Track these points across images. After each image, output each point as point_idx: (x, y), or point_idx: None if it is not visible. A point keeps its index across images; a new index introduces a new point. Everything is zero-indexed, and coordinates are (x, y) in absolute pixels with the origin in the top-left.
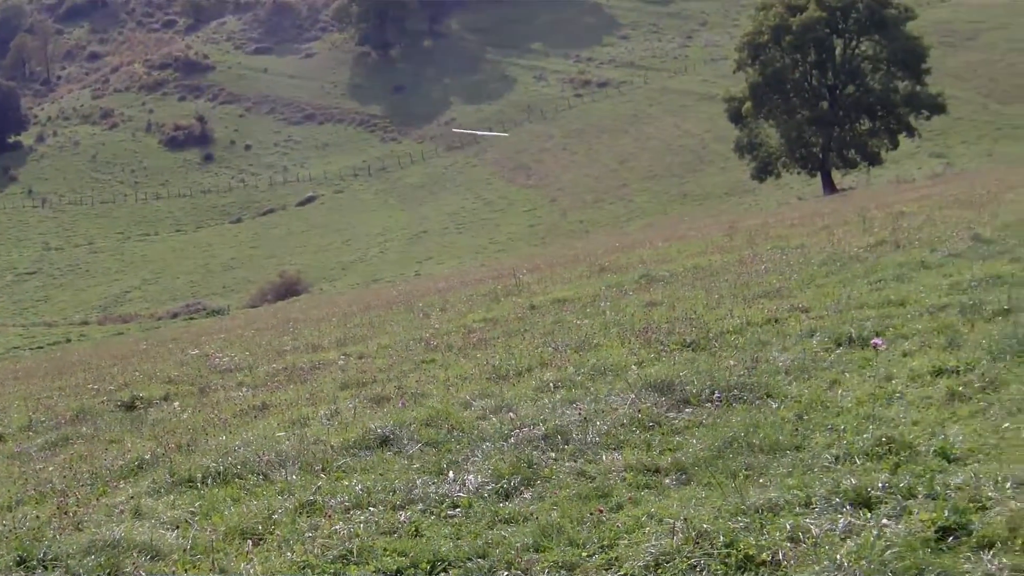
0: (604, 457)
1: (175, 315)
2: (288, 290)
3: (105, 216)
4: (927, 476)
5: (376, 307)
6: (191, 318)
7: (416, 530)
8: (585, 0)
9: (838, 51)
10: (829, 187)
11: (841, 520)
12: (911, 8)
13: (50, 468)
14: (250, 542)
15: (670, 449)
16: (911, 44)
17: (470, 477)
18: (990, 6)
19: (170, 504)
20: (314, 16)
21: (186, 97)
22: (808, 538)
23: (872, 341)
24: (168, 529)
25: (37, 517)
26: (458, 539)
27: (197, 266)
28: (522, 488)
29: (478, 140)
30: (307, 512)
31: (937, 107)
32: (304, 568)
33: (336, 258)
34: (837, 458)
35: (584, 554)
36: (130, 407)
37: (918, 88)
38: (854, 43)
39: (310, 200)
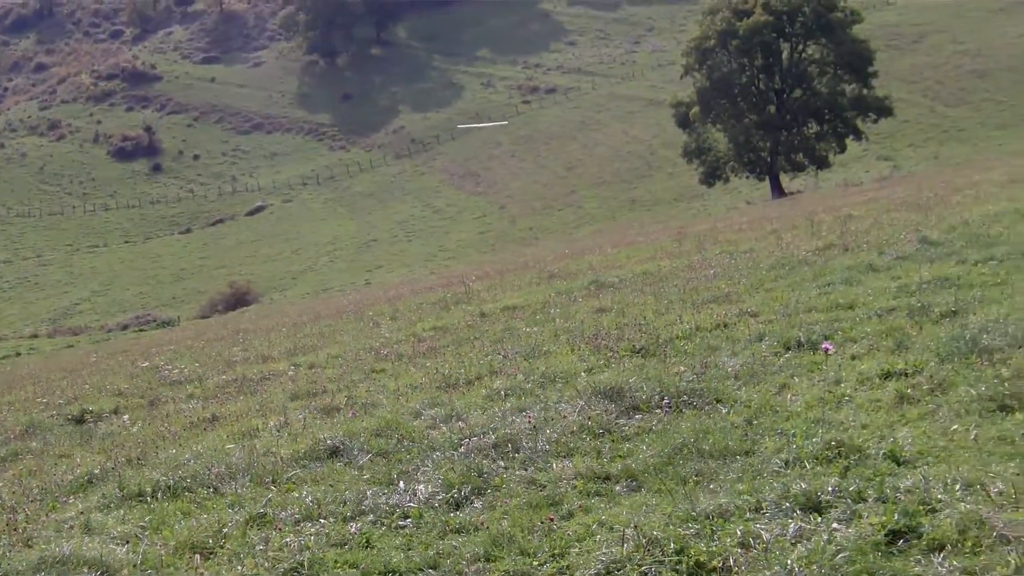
0: (554, 465)
1: (125, 327)
2: (238, 300)
3: (53, 228)
4: (877, 479)
5: (326, 316)
6: (141, 330)
7: (367, 541)
8: (532, 6)
9: (785, 55)
10: (777, 191)
11: (791, 525)
12: (857, 11)
13: None
14: (200, 556)
15: (620, 456)
16: (857, 47)
17: (420, 487)
18: (935, 8)
19: (120, 519)
20: (261, 25)
21: (134, 107)
22: (759, 544)
23: (822, 345)
24: (118, 544)
25: None
26: (409, 550)
27: (147, 277)
28: (472, 498)
29: (481, 130)
30: (257, 525)
31: (884, 110)
32: None
33: (286, 267)
34: (787, 463)
35: (535, 563)
36: (80, 421)
37: (865, 91)
38: (801, 47)
39: (259, 210)
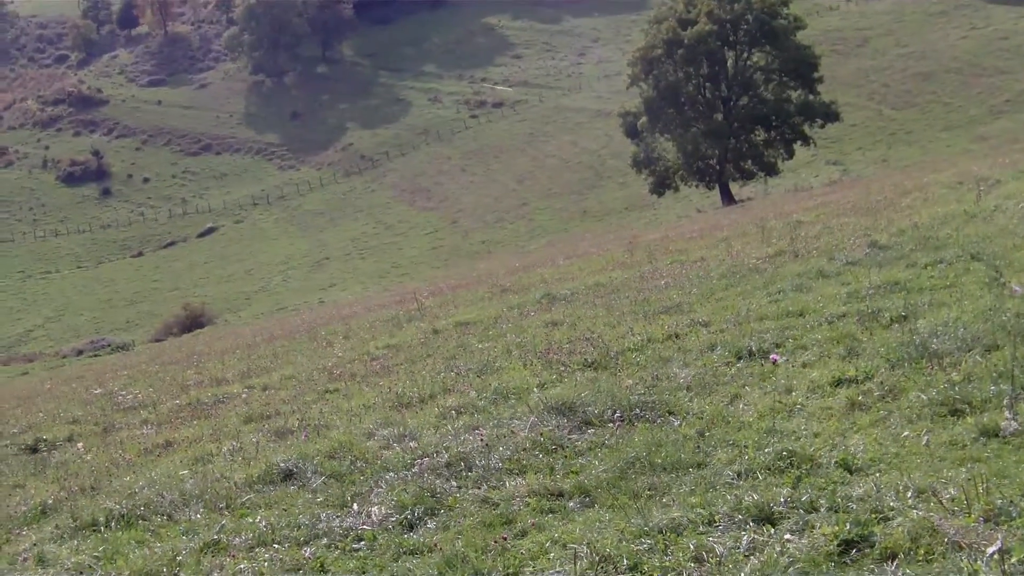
0: (507, 483)
1: (80, 352)
2: (193, 322)
3: (4, 255)
4: (829, 489)
5: (280, 337)
6: (96, 355)
7: (321, 566)
8: (476, 21)
9: (730, 63)
10: (727, 198)
11: (744, 537)
12: (800, 18)
13: None
14: None
15: (573, 472)
16: (802, 53)
17: (374, 509)
18: (877, 12)
19: (74, 549)
20: (206, 46)
21: (81, 132)
22: (712, 557)
23: (771, 356)
24: None
25: None
26: (363, 573)
27: (100, 302)
28: (426, 518)
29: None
30: (212, 552)
31: (831, 115)
32: None
33: (239, 288)
34: (739, 474)
35: None
36: (34, 450)
37: (811, 97)
38: (746, 55)
39: (211, 231)
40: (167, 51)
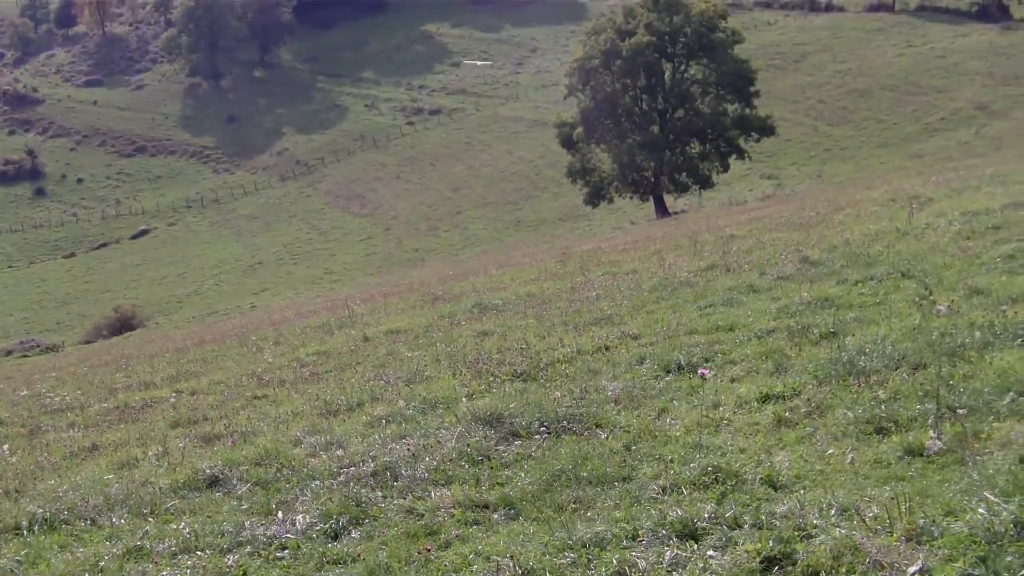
0: (433, 493)
1: (9, 353)
2: (124, 325)
3: None
4: (753, 505)
5: (210, 341)
6: (25, 355)
7: (244, 574)
8: (415, 28)
9: (667, 75)
10: (662, 211)
11: (667, 553)
12: (738, 32)
13: None
14: None
15: (499, 483)
16: (739, 67)
17: (299, 517)
18: (815, 28)
19: None
20: (144, 47)
21: (16, 131)
22: (634, 572)
23: (699, 371)
24: None
25: None
26: None
27: (30, 302)
28: (351, 528)
29: (478, 65)
30: (134, 558)
31: (766, 129)
32: None
33: (171, 291)
34: (664, 489)
35: None
36: None
37: (747, 111)
38: (683, 67)
39: (144, 233)
40: (104, 51)
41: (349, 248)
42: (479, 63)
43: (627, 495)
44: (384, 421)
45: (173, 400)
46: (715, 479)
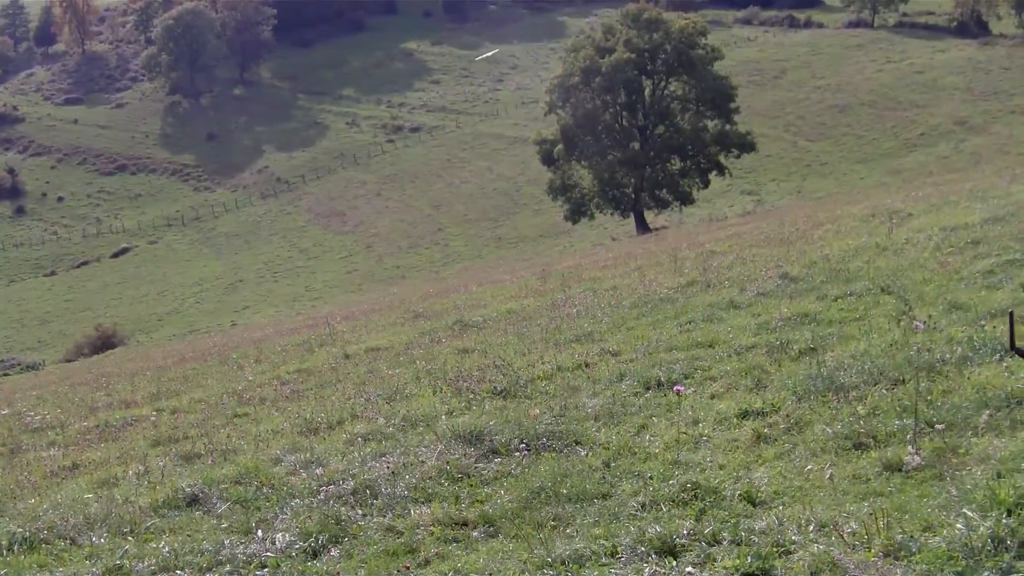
0: (413, 511)
1: None
2: (104, 343)
3: None
4: (732, 521)
5: (191, 359)
6: (6, 374)
7: None
8: (394, 46)
9: (647, 92)
10: (642, 227)
11: (646, 569)
12: (718, 48)
13: None
14: None
15: (479, 501)
16: (719, 84)
17: (279, 536)
18: (794, 45)
19: None
20: (124, 66)
21: None
22: None
23: (675, 388)
24: None
25: None
26: None
27: (11, 321)
28: (330, 546)
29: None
30: None
31: (746, 146)
32: None
33: (152, 309)
34: (643, 505)
35: None
36: None
37: (727, 127)
38: (663, 84)
39: (124, 251)
40: (84, 70)
41: (330, 265)
42: (487, 55)
43: (606, 512)
44: (364, 439)
45: (154, 419)
46: (694, 495)
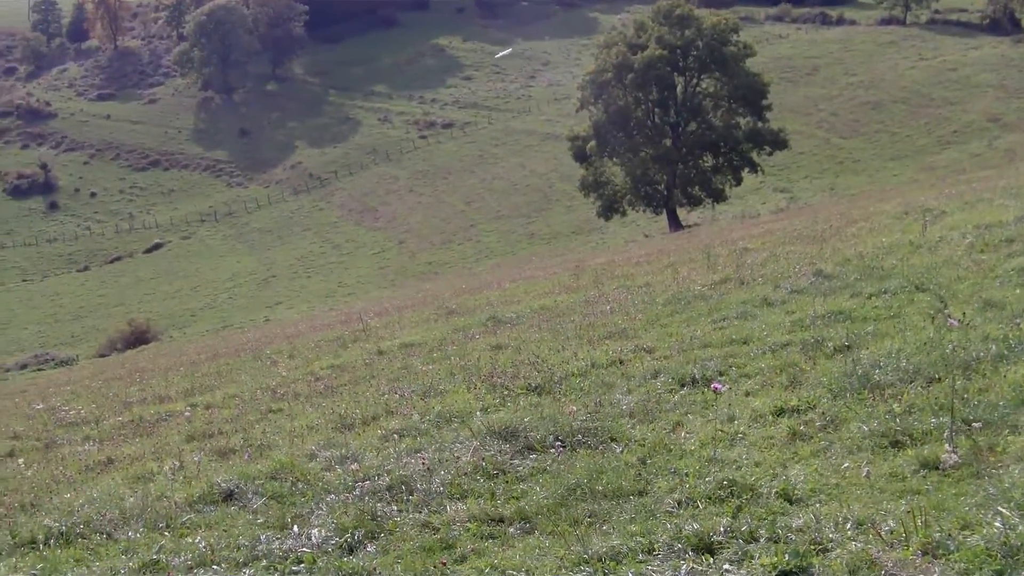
0: (448, 507)
1: (24, 366)
2: (138, 338)
3: None
4: (769, 519)
5: (224, 355)
6: (40, 369)
7: None
8: (426, 42)
9: (680, 89)
10: (675, 224)
11: (683, 567)
12: (750, 45)
13: None
14: None
15: (514, 497)
16: (751, 81)
17: (314, 531)
18: (826, 41)
19: (11, 567)
20: (156, 62)
21: (29, 145)
22: None
23: (712, 385)
24: None
25: None
26: None
27: (45, 316)
28: (366, 542)
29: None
30: (150, 572)
31: (779, 143)
32: None
33: (185, 305)
34: (680, 503)
35: None
36: None
37: (759, 124)
38: (695, 81)
39: (157, 247)
40: (117, 65)
41: (362, 261)
42: (503, 53)
43: (642, 509)
44: (399, 435)
45: (188, 414)
46: (730, 493)
